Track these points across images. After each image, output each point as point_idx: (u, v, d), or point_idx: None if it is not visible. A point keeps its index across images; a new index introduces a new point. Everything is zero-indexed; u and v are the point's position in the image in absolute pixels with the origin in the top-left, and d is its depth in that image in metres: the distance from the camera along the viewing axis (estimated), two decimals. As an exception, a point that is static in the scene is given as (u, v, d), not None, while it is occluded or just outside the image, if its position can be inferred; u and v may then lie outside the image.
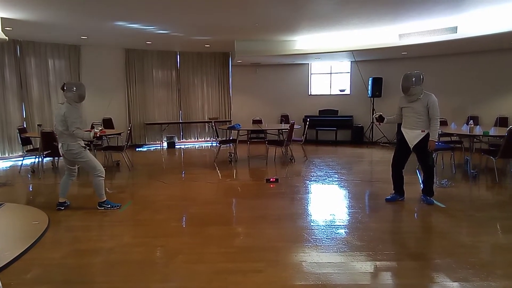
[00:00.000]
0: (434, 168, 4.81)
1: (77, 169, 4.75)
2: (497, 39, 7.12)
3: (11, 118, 8.54)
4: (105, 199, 4.62)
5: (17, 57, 8.56)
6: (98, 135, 4.47)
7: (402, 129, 4.68)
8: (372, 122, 4.86)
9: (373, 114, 10.11)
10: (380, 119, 4.90)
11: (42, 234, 3.63)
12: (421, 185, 4.90)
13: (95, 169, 4.48)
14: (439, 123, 4.44)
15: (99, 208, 4.58)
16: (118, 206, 4.64)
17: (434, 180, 4.86)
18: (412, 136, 4.52)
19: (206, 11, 6.34)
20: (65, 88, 4.29)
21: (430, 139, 4.42)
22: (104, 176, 4.56)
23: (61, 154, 4.48)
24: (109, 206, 4.60)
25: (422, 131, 4.45)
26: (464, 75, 9.13)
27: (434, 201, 4.66)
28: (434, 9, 6.21)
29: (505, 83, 8.60)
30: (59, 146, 4.43)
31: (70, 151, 4.35)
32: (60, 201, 4.59)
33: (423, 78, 4.47)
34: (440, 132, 4.60)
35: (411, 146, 4.55)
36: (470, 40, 7.14)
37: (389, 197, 4.83)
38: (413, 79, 4.43)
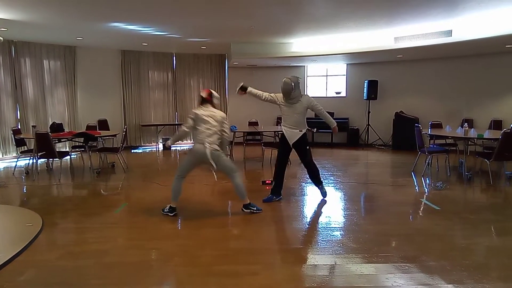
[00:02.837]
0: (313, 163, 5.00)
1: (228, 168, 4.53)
2: (491, 43, 7.19)
3: (5, 119, 8.46)
4: (249, 201, 4.45)
5: (11, 57, 8.50)
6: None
7: (283, 127, 4.87)
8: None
9: (368, 115, 10.18)
10: (242, 89, 5.01)
11: (36, 236, 3.57)
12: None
13: (233, 169, 4.46)
14: (325, 112, 4.79)
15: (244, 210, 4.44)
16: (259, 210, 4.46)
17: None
18: (291, 135, 4.78)
19: (203, 13, 6.34)
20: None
21: (333, 126, 4.80)
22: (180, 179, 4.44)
23: (209, 157, 4.14)
24: (255, 208, 4.44)
25: (300, 130, 4.74)
26: (458, 78, 9.20)
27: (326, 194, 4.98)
28: (429, 12, 6.26)
29: (499, 86, 8.67)
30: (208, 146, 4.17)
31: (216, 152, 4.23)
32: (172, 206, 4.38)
33: (299, 82, 4.73)
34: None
35: (291, 143, 4.81)
36: (464, 43, 7.20)
37: (265, 198, 4.96)
38: (292, 84, 4.61)
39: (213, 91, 4.48)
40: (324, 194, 5.03)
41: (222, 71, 11.36)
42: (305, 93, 4.88)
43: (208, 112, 4.31)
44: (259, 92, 4.98)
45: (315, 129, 5.08)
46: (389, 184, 6.07)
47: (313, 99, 4.80)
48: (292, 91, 4.59)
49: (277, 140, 8.27)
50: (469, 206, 4.88)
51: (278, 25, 7.34)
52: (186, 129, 4.30)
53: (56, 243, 3.62)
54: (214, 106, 4.42)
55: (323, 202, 4.93)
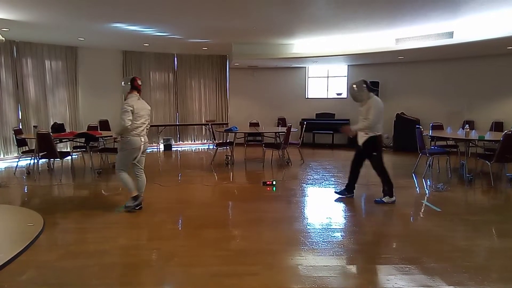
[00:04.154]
0: (386, 168, 4.92)
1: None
2: (493, 44, 7.18)
3: (6, 119, 8.48)
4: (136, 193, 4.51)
5: (13, 57, 8.53)
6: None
7: None
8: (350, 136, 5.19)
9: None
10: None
11: (37, 236, 3.57)
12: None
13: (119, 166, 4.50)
14: (366, 123, 4.63)
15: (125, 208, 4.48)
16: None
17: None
18: (359, 137, 4.82)
19: (205, 14, 6.35)
20: (123, 84, 4.40)
21: (351, 127, 4.79)
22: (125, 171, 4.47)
23: (142, 150, 4.40)
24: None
25: (365, 133, 4.72)
26: (460, 80, 9.20)
27: (389, 202, 4.82)
28: (430, 14, 6.26)
29: (500, 88, 8.66)
30: (143, 141, 4.38)
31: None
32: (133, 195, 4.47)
33: (366, 84, 4.72)
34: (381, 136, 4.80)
35: (360, 145, 4.83)
36: (466, 45, 7.20)
37: (338, 190, 5.21)
38: (354, 86, 4.69)
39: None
40: (377, 199, 4.92)
41: (223, 72, 11.37)
42: (376, 97, 4.74)
43: (142, 105, 4.39)
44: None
45: (386, 135, 5.08)
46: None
47: (377, 104, 4.63)
48: (357, 95, 4.60)
49: (278, 141, 8.28)
50: (470, 208, 4.87)
51: (279, 26, 7.35)
52: (128, 125, 4.19)
53: (57, 243, 3.63)
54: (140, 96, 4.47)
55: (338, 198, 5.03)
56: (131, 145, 4.28)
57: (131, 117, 4.17)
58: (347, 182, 5.18)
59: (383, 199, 4.86)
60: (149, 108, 4.51)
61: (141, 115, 4.30)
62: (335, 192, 5.29)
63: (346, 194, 5.15)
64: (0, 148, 8.47)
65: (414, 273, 2.93)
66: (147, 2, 5.62)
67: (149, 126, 4.51)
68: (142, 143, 4.35)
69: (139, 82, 4.43)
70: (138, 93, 4.39)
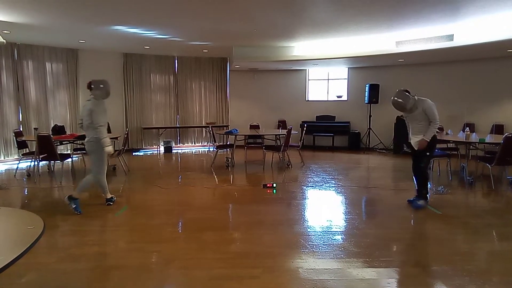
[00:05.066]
0: (428, 173, 4.90)
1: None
2: (493, 47, 7.19)
3: (7, 121, 8.49)
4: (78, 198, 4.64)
5: (14, 60, 8.54)
6: (112, 154, 4.89)
7: (410, 135, 4.85)
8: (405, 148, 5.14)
9: (369, 119, 10.19)
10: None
11: (37, 238, 3.60)
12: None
13: (97, 170, 4.61)
14: (436, 125, 4.56)
15: (108, 203, 4.84)
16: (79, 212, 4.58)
17: (429, 185, 4.91)
18: (416, 142, 4.70)
19: (205, 17, 6.36)
20: (92, 86, 4.51)
21: (423, 137, 4.57)
22: (99, 179, 4.66)
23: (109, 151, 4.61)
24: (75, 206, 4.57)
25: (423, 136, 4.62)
26: (460, 83, 9.20)
27: (423, 206, 4.69)
28: (430, 17, 6.27)
29: (501, 90, 8.66)
30: (86, 140, 4.61)
31: (90, 142, 4.53)
32: (107, 197, 4.88)
33: (408, 92, 4.61)
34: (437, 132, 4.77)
35: (416, 150, 4.72)
36: (466, 48, 7.21)
37: (411, 198, 4.95)
38: (400, 100, 4.61)
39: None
40: (415, 205, 4.74)
41: (224, 75, 11.38)
42: (420, 97, 4.66)
43: (104, 107, 4.61)
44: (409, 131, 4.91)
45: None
46: (390, 188, 6.05)
47: (430, 102, 4.57)
48: (404, 104, 4.54)
49: (278, 143, 8.29)
50: (471, 211, 4.86)
51: (280, 29, 7.37)
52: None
53: (57, 245, 3.62)
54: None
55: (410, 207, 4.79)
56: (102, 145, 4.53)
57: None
58: (417, 189, 4.90)
59: (419, 202, 4.74)
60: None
61: None
62: (408, 201, 4.97)
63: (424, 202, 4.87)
64: (0, 150, 8.48)
65: (415, 276, 2.92)
66: (147, 5, 5.63)
67: (86, 123, 4.58)
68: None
69: None
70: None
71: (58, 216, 4.46)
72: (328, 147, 10.80)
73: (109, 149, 4.52)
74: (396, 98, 4.62)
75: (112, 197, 4.90)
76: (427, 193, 4.80)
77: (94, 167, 4.61)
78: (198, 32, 7.63)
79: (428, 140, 4.56)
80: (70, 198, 4.55)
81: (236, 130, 8.01)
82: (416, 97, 4.63)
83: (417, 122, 4.64)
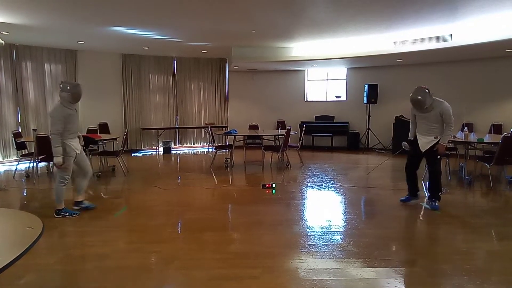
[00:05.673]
0: (441, 172, 4.89)
1: (88, 168, 4.74)
2: (491, 47, 7.21)
3: (6, 122, 8.48)
4: (63, 207, 4.45)
5: (13, 61, 8.53)
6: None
7: (416, 134, 4.80)
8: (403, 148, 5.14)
9: (368, 119, 10.20)
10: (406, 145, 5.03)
11: (36, 239, 3.59)
12: (426, 192, 4.99)
13: (61, 176, 4.37)
14: (452, 129, 4.57)
15: (56, 216, 4.38)
16: (76, 214, 4.48)
17: (427, 185, 4.98)
18: (425, 142, 4.67)
19: (205, 17, 6.37)
20: (60, 86, 4.32)
21: (440, 142, 4.57)
22: (66, 184, 4.43)
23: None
24: (67, 213, 4.41)
25: (434, 137, 4.60)
26: (458, 83, 9.22)
27: (438, 207, 4.70)
28: (429, 17, 6.28)
29: (499, 90, 8.69)
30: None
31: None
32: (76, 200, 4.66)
33: (428, 90, 4.53)
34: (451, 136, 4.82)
35: (422, 151, 4.71)
36: (464, 48, 7.22)
37: (403, 198, 5.04)
38: (419, 97, 4.49)
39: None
40: (432, 206, 4.75)
41: (223, 75, 11.39)
42: (438, 99, 4.59)
43: (68, 113, 4.29)
44: (411, 130, 4.94)
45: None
46: (389, 188, 6.06)
47: (447, 105, 4.52)
48: (423, 102, 4.45)
49: (277, 144, 8.29)
50: (470, 210, 4.87)
51: (279, 29, 7.37)
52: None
53: (56, 246, 3.61)
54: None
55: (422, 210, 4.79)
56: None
57: None
58: (408, 188, 5.02)
59: (436, 204, 4.74)
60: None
61: None
62: (401, 200, 5.06)
63: (411, 199, 5.01)
64: (-1, 151, 8.48)
65: (414, 275, 2.93)
66: (146, 5, 5.64)
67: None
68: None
69: None
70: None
71: (57, 217, 4.45)
72: (327, 147, 10.81)
73: (56, 159, 4.20)
74: (416, 95, 4.50)
75: (63, 209, 4.43)
76: (440, 193, 4.82)
77: (59, 172, 4.40)
78: (197, 32, 7.64)
79: (445, 145, 4.60)
80: (56, 212, 4.39)
81: (235, 131, 8.02)
82: (434, 98, 4.57)
83: (430, 123, 4.58)
